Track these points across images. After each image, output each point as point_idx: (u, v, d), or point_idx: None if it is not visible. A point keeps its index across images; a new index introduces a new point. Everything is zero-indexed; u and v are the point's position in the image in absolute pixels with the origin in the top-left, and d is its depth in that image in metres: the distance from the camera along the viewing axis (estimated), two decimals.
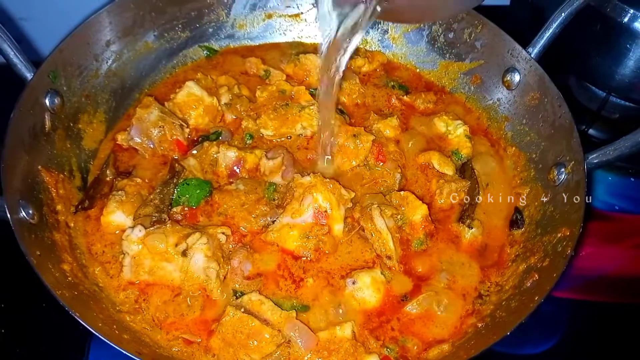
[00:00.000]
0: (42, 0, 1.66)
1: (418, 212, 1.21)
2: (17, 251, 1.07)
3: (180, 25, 1.50)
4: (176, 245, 1.11)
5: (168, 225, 1.14)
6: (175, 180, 1.22)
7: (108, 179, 1.27)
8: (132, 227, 1.12)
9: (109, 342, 0.92)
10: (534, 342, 1.33)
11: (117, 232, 1.19)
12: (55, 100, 1.25)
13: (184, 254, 1.11)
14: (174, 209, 1.21)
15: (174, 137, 1.32)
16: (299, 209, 1.16)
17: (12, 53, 1.16)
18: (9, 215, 1.01)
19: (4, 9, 1.65)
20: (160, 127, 1.32)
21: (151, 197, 1.18)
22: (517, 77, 1.39)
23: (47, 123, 1.23)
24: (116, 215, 1.18)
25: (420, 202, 1.22)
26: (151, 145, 1.32)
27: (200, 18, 1.53)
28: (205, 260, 1.10)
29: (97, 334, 0.93)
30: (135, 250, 1.11)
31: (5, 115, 1.12)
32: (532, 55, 1.34)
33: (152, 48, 1.48)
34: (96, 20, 1.33)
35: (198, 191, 1.23)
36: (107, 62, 1.39)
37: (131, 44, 1.43)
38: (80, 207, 1.22)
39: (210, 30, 1.56)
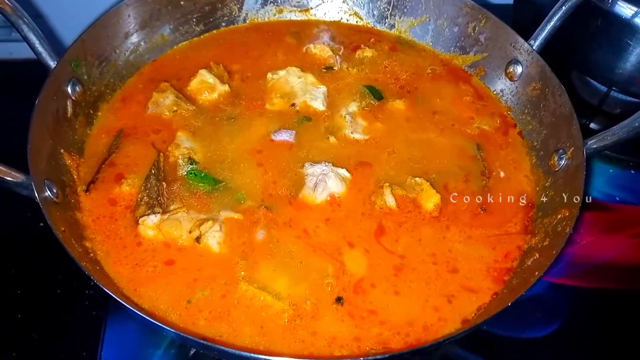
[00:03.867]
0: None
1: (431, 201, 1.26)
2: (30, 238, 1.12)
3: (194, 19, 1.56)
4: (190, 231, 1.17)
5: (184, 212, 1.19)
6: (154, 172, 1.25)
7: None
8: (149, 214, 1.17)
9: (132, 308, 0.96)
10: (535, 326, 1.36)
11: None
12: (77, 88, 1.30)
13: (197, 240, 1.16)
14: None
15: None
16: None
17: (38, 42, 1.22)
18: (36, 194, 1.06)
19: (29, 5, 1.71)
20: (174, 111, 1.37)
21: (139, 196, 1.21)
22: (519, 69, 1.44)
23: (69, 109, 1.29)
24: None
25: (435, 191, 1.26)
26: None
27: (214, 12, 1.59)
28: (218, 247, 1.16)
29: (121, 302, 0.97)
30: (151, 235, 1.17)
31: (31, 106, 1.17)
32: (534, 48, 1.39)
33: (168, 40, 1.53)
34: (116, 13, 1.39)
35: (202, 185, 1.26)
36: (125, 53, 1.45)
37: (148, 37, 1.49)
38: (90, 186, 1.24)
39: (223, 24, 1.62)
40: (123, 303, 0.97)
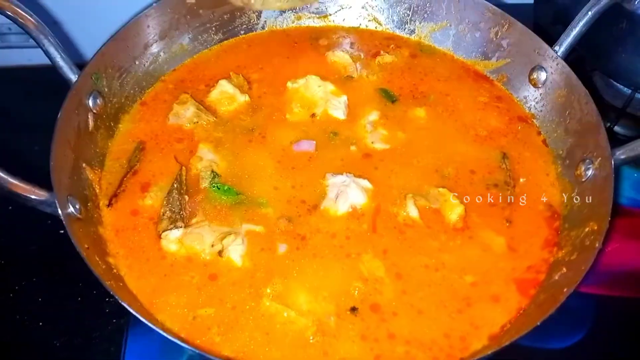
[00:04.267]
0: (73, 5, 1.73)
1: (455, 212, 1.24)
2: (53, 246, 1.13)
3: (213, 28, 1.56)
4: (212, 245, 1.16)
5: (206, 225, 1.19)
6: (176, 186, 1.24)
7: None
8: (171, 228, 1.17)
9: (153, 326, 0.96)
10: (560, 336, 1.34)
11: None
12: (98, 101, 1.30)
13: (220, 254, 1.16)
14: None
15: None
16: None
17: (59, 56, 1.22)
18: (59, 211, 1.06)
19: (45, 12, 1.72)
20: (195, 122, 1.37)
21: (162, 211, 1.21)
22: (543, 76, 1.41)
23: (90, 123, 1.28)
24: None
25: (458, 201, 1.25)
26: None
27: (233, 21, 1.58)
28: (241, 261, 1.16)
29: (143, 320, 0.97)
30: (174, 250, 1.16)
31: (50, 113, 1.17)
32: (559, 54, 1.36)
33: (187, 50, 1.53)
34: (136, 24, 1.38)
35: (224, 197, 1.26)
36: (145, 64, 1.44)
37: (167, 47, 1.48)
38: (112, 200, 1.24)
39: (242, 32, 1.61)
40: (145, 321, 0.97)
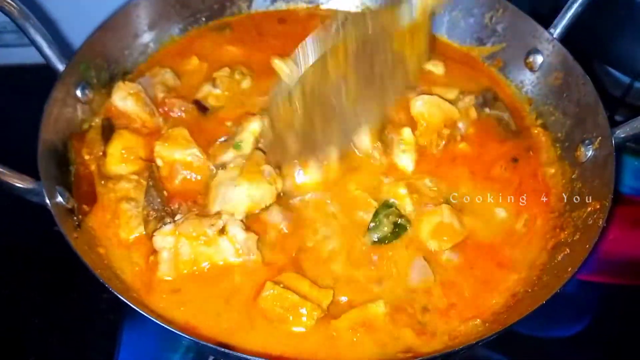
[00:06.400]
0: (67, 2, 1.70)
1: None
2: (47, 242, 1.11)
3: (203, 18, 1.53)
4: (212, 225, 1.11)
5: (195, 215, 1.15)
6: (152, 184, 1.18)
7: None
8: (161, 226, 1.12)
9: (149, 316, 0.93)
10: (562, 325, 1.32)
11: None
12: (86, 92, 1.27)
13: (222, 231, 1.10)
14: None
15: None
16: None
17: (46, 45, 1.19)
18: (47, 200, 1.03)
19: (39, 10, 1.69)
20: (172, 88, 1.36)
21: (145, 212, 1.15)
22: (539, 59, 1.40)
23: (79, 113, 1.26)
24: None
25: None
26: (151, 108, 1.31)
27: (223, 10, 1.56)
28: (244, 233, 1.11)
29: (136, 308, 0.94)
30: (172, 242, 1.10)
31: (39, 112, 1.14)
32: (555, 36, 1.35)
33: (177, 42, 1.50)
34: (125, 13, 1.36)
35: None
36: (134, 55, 1.42)
37: (158, 37, 1.46)
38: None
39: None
40: (138, 310, 0.94)
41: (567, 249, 1.11)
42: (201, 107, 1.35)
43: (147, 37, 1.44)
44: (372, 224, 1.17)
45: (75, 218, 1.11)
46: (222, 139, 1.28)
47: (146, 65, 1.43)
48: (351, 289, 1.11)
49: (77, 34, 1.43)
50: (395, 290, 1.11)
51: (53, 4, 1.66)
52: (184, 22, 1.50)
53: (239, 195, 1.15)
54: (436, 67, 1.46)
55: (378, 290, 1.11)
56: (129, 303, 0.94)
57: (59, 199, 1.08)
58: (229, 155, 1.23)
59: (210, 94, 1.37)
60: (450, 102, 1.35)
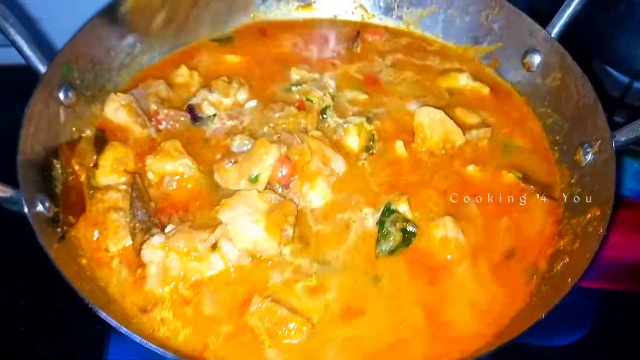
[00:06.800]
0: (50, 1, 1.66)
1: None
2: (34, 249, 1.08)
3: None
4: (204, 240, 1.07)
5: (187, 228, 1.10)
6: (135, 195, 1.14)
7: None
8: (148, 238, 1.08)
9: (132, 334, 0.89)
10: (562, 333, 1.30)
11: None
12: (70, 94, 1.23)
13: (214, 247, 1.07)
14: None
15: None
16: None
17: (26, 46, 1.14)
18: (26, 209, 0.99)
19: (19, 8, 1.64)
20: (165, 100, 1.32)
21: (130, 226, 1.11)
22: (537, 58, 1.36)
23: (62, 117, 1.21)
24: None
25: None
26: (143, 119, 1.28)
27: None
28: (237, 251, 1.08)
29: (119, 328, 0.90)
30: (161, 256, 1.06)
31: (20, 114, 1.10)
32: (553, 35, 1.31)
33: (167, 42, 1.46)
34: (109, 12, 1.31)
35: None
36: (120, 56, 1.37)
37: (144, 38, 1.41)
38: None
39: None
40: (117, 325, 0.91)
41: (567, 258, 1.08)
42: (194, 116, 1.31)
43: (133, 38, 1.39)
44: (379, 235, 1.13)
45: (59, 229, 1.07)
46: (229, 163, 1.21)
47: (138, 76, 1.40)
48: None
49: (59, 34, 1.40)
50: None
51: (34, 2, 1.62)
52: None
53: (250, 232, 1.08)
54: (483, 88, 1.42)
55: None
56: (107, 318, 0.89)
57: (40, 207, 1.04)
58: (241, 184, 1.18)
59: (207, 99, 1.33)
60: (468, 125, 1.31)
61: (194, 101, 1.32)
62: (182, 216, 1.15)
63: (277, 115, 1.30)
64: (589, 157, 1.19)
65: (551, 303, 0.94)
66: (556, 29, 1.31)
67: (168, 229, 1.10)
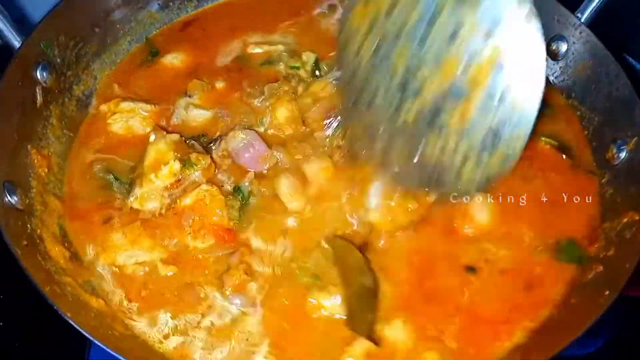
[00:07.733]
0: None
1: None
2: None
3: None
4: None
5: None
6: None
7: None
8: None
9: (106, 348, 0.78)
10: (580, 342, 1.17)
11: None
12: (48, 73, 1.12)
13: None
14: None
15: None
16: None
17: None
18: None
19: None
20: None
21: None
22: (564, 46, 1.24)
23: (39, 98, 1.10)
24: None
25: None
26: None
27: None
28: None
29: (91, 338, 0.80)
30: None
31: None
32: (582, 21, 1.20)
33: (157, 19, 1.35)
34: None
35: None
36: (105, 34, 1.26)
37: (133, 14, 1.30)
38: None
39: None
40: (86, 334, 0.82)
41: (600, 266, 0.97)
42: None
43: (120, 13, 1.28)
44: None
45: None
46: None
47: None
48: None
49: (37, 7, 1.29)
50: None
51: None
52: None
53: None
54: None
55: None
56: (75, 325, 0.79)
57: (8, 198, 0.94)
58: None
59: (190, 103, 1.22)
60: None
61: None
62: None
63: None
64: (623, 155, 1.08)
65: (588, 319, 0.83)
66: (586, 15, 1.20)
67: None
